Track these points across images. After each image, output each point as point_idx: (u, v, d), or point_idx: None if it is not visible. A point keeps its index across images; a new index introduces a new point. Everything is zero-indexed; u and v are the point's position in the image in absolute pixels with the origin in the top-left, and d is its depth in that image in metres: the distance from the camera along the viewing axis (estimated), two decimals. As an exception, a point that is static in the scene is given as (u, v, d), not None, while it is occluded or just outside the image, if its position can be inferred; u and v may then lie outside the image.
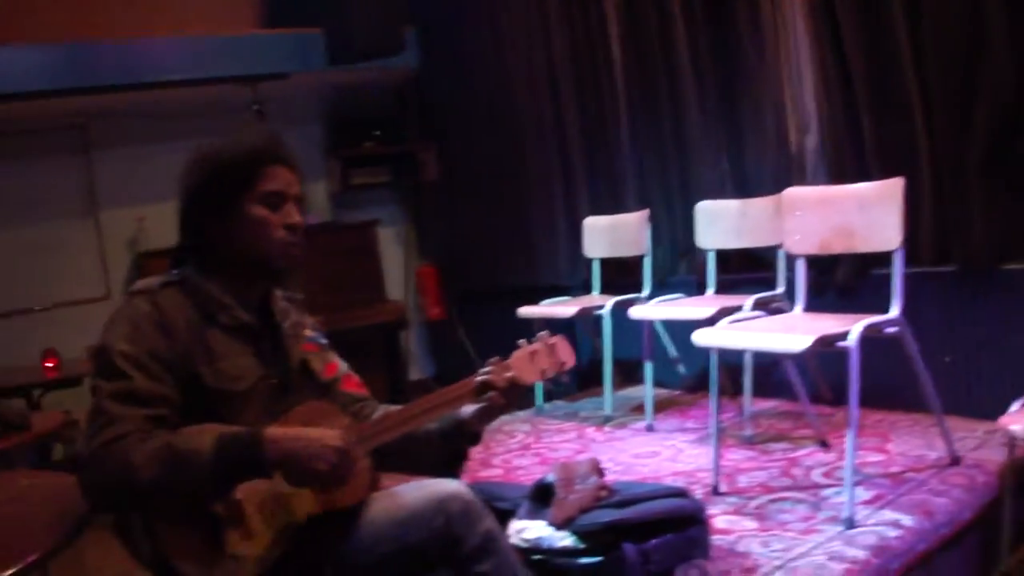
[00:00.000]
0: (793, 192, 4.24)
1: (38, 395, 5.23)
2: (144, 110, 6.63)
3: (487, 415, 2.25)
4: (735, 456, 4.30)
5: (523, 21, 6.59)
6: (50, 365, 5.36)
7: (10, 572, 1.70)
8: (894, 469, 3.85)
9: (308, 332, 2.37)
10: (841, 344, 3.35)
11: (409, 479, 2.27)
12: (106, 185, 6.72)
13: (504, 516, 2.94)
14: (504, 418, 5.64)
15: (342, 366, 2.43)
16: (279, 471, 1.97)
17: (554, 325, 2.02)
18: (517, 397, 2.21)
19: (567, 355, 2.26)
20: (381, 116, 7.66)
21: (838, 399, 4.75)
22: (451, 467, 2.33)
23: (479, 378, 2.18)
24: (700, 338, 3.80)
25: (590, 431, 5.22)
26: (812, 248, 4.11)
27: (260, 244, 2.16)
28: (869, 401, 3.99)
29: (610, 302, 5.33)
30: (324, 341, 2.42)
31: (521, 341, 2.25)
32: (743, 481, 3.96)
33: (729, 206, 5.04)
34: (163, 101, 6.58)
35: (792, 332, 3.55)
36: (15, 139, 6.47)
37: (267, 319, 2.27)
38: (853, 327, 3.37)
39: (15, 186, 6.43)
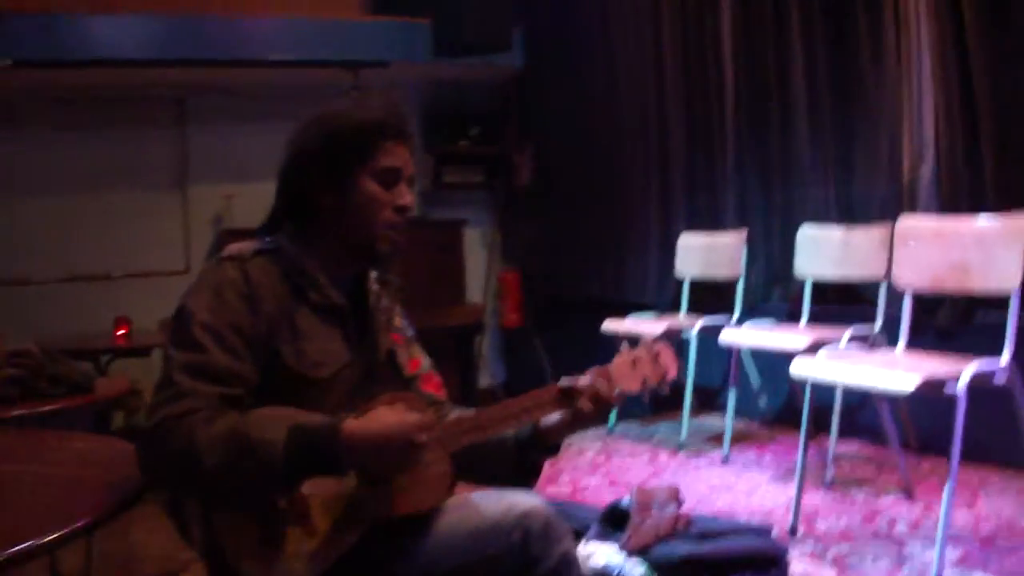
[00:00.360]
0: (908, 221, 4.01)
1: (106, 361, 5.21)
2: (242, 88, 6.61)
3: (574, 425, 2.01)
4: (814, 498, 4.09)
5: (634, 30, 6.44)
6: (121, 333, 5.33)
7: (55, 536, 1.58)
8: (985, 530, 3.61)
9: (397, 321, 2.19)
10: (948, 391, 3.12)
11: (475, 489, 2.07)
12: (198, 160, 6.71)
13: (571, 537, 2.75)
14: (575, 435, 5.47)
15: (425, 362, 2.24)
16: (354, 470, 1.83)
17: (634, 343, 1.87)
18: (612, 408, 2.00)
19: (671, 365, 2.05)
20: (479, 115, 7.55)
21: (925, 447, 4.54)
22: (524, 479, 2.10)
23: (573, 384, 1.97)
24: (798, 369, 3.59)
25: (663, 456, 5.03)
26: (923, 283, 3.88)
27: (366, 222, 2.00)
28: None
29: (698, 323, 5.15)
30: (411, 333, 2.24)
31: (623, 345, 2.05)
32: (822, 526, 3.75)
33: (832, 233, 4.82)
34: (262, 81, 6.55)
35: (895, 371, 3.32)
36: (114, 106, 6.52)
37: (359, 302, 2.10)
38: (963, 372, 3.13)
39: (109, 153, 6.47)
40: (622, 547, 2.78)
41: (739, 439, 5.19)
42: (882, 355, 3.89)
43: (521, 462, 2.07)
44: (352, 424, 1.78)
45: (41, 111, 6.33)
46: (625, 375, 1.99)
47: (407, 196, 2.03)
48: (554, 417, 2.01)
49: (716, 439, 5.21)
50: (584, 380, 1.96)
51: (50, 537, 1.57)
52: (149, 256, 6.49)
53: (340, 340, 2.00)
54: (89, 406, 3.49)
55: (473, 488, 2.07)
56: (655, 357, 2.03)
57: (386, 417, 1.80)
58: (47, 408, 3.19)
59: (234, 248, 1.97)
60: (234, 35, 6.15)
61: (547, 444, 2.06)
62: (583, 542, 2.86)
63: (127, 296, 6.16)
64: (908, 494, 4.04)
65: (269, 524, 1.80)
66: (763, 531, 2.95)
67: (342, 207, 2.00)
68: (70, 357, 3.53)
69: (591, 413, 1.96)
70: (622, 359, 2.01)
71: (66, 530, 1.61)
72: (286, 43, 6.29)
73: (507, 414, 1.95)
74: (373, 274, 2.16)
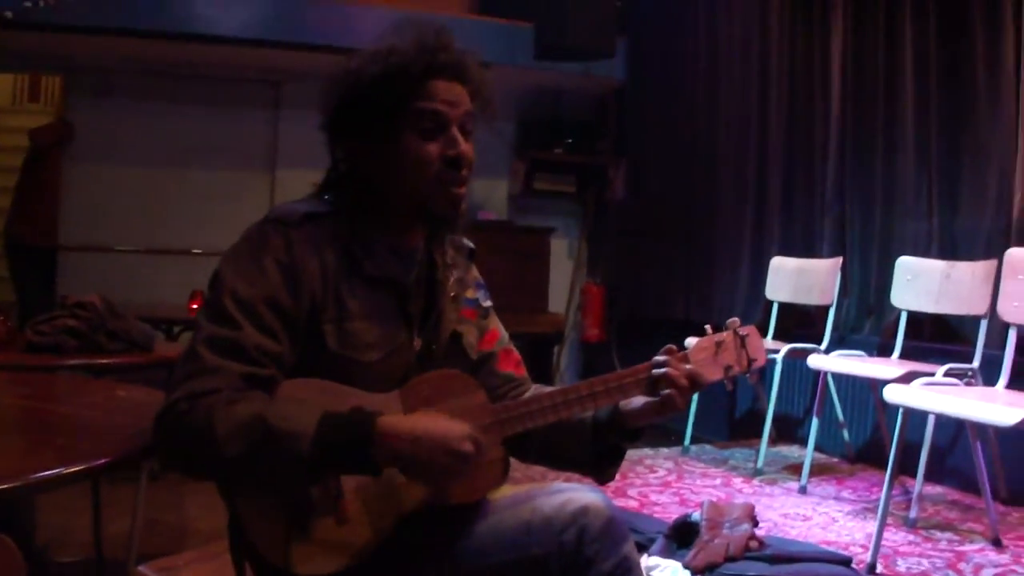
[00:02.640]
0: (1017, 253, 3.85)
1: (177, 331, 5.24)
2: (339, 77, 6.60)
3: (654, 412, 1.82)
4: (895, 537, 3.91)
5: (740, 48, 6.31)
6: (195, 306, 5.33)
7: (73, 469, 1.53)
8: (1076, 585, 3.41)
9: (470, 293, 1.98)
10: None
11: (547, 477, 1.92)
12: (288, 145, 6.72)
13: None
14: (647, 451, 5.37)
15: (503, 337, 2.03)
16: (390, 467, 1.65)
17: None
18: (693, 394, 1.83)
19: (758, 351, 1.89)
20: (575, 123, 7.48)
21: (1015, 498, 4.35)
22: (601, 468, 1.93)
23: (654, 369, 1.79)
24: (891, 395, 3.43)
25: (737, 481, 4.88)
26: (1030, 320, 3.70)
27: (411, 182, 1.76)
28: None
29: (784, 348, 4.98)
30: (487, 303, 2.02)
31: (707, 327, 1.90)
32: (902, 566, 3.58)
33: (933, 266, 4.65)
34: (359, 71, 6.53)
35: (996, 404, 3.15)
36: (212, 84, 6.60)
37: (427, 273, 1.89)
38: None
39: (201, 130, 6.56)
40: (687, 564, 2.63)
41: (818, 471, 5.01)
42: (981, 391, 3.71)
43: (597, 448, 1.89)
44: (390, 422, 1.61)
45: (135, 82, 6.43)
46: (706, 361, 1.84)
47: (458, 143, 1.76)
48: (637, 401, 1.83)
49: (794, 468, 5.04)
50: (664, 364, 1.79)
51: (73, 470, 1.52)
52: (232, 236, 6.42)
53: (397, 318, 1.81)
54: (147, 365, 3.43)
55: (549, 474, 1.93)
56: (741, 342, 1.88)
57: (431, 422, 1.65)
58: (102, 361, 3.19)
59: (282, 209, 1.78)
60: (337, 22, 6.13)
61: (626, 428, 1.87)
62: (646, 556, 2.72)
63: (206, 274, 6.11)
64: (995, 543, 3.85)
65: (297, 510, 1.65)
66: (845, 560, 2.78)
67: (384, 168, 1.78)
68: (142, 322, 3.52)
69: (675, 399, 1.79)
70: (705, 342, 1.86)
71: (85, 466, 1.56)
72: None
73: (586, 394, 1.78)
74: (449, 238, 1.95)
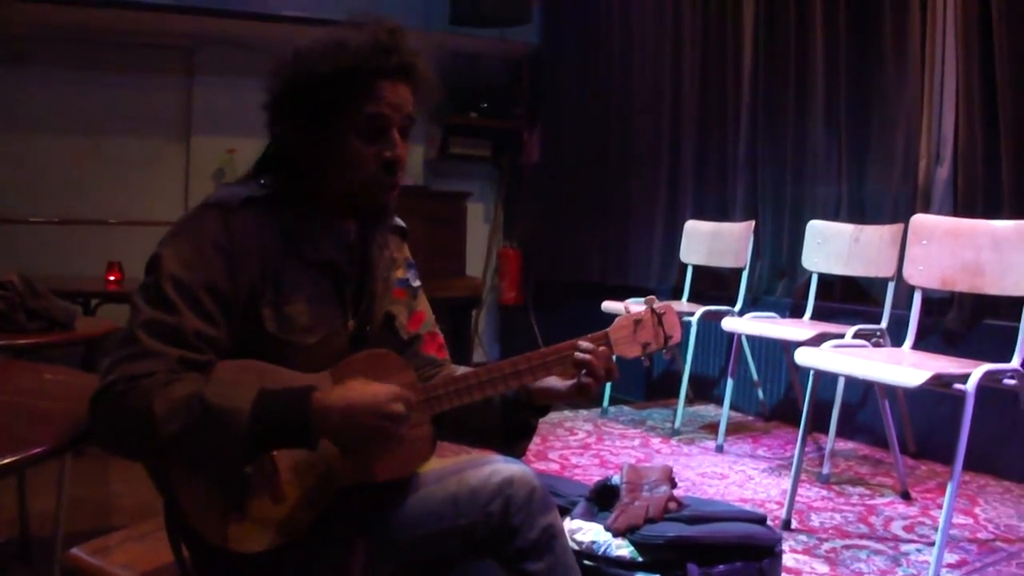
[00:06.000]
0: (922, 219, 3.96)
1: (95, 304, 5.13)
2: (253, 43, 6.49)
3: (569, 396, 1.89)
4: (809, 493, 4.04)
5: (654, 12, 6.35)
6: (112, 278, 5.27)
7: (9, 460, 1.52)
8: (982, 535, 3.56)
9: (400, 272, 2.01)
10: (958, 387, 3.05)
11: (465, 455, 1.95)
12: (202, 112, 6.64)
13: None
14: (567, 414, 5.44)
15: (429, 319, 2.06)
16: (326, 440, 1.68)
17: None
18: (612, 373, 1.88)
19: (674, 328, 1.94)
20: (491, 89, 7.46)
21: (922, 452, 4.50)
22: (513, 442, 1.97)
23: (577, 353, 1.84)
24: (802, 358, 3.52)
25: (655, 441, 4.96)
26: (933, 282, 3.83)
27: (346, 178, 1.78)
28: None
29: (699, 311, 5.06)
30: (416, 284, 2.04)
31: (628, 303, 1.94)
32: (816, 520, 3.69)
33: (843, 229, 4.77)
34: (273, 36, 6.42)
35: (904, 365, 3.25)
36: (123, 51, 6.44)
37: (360, 254, 1.90)
38: (974, 370, 3.07)
39: (114, 98, 6.40)
40: (608, 527, 2.69)
41: (734, 430, 5.12)
42: (888, 352, 3.83)
43: (507, 423, 1.95)
44: (323, 395, 1.64)
45: (48, 49, 6.24)
46: (625, 340, 1.89)
47: (396, 147, 1.78)
48: (549, 379, 1.89)
49: (710, 428, 5.16)
50: (585, 348, 1.85)
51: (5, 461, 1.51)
52: (147, 205, 6.40)
53: (334, 300, 1.83)
54: (69, 344, 3.42)
55: (463, 451, 1.98)
56: (658, 319, 1.92)
57: (361, 388, 1.67)
58: (22, 341, 3.13)
59: (222, 193, 1.77)
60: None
61: (535, 404, 1.94)
62: (568, 519, 2.77)
63: (122, 244, 6.03)
64: (905, 496, 3.98)
65: (233, 489, 1.67)
66: (760, 518, 2.85)
67: (320, 160, 1.79)
68: (58, 297, 3.46)
69: (593, 381, 1.85)
70: (624, 320, 1.91)
71: (22, 455, 1.54)
72: (302, 0, 6.20)
73: (508, 373, 1.82)
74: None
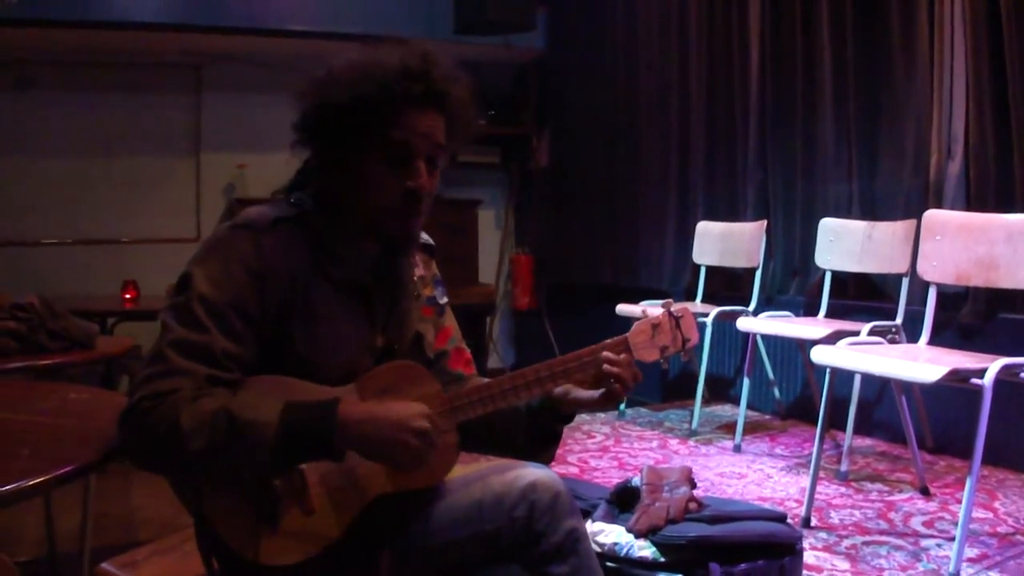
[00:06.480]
0: (934, 215, 3.97)
1: (112, 323, 5.18)
2: (260, 58, 6.56)
3: (597, 403, 1.88)
4: (828, 491, 4.04)
5: (659, 14, 6.36)
6: (128, 296, 5.34)
7: (39, 480, 1.53)
8: (1002, 529, 3.56)
9: (428, 291, 2.00)
10: (975, 381, 3.05)
11: (489, 461, 1.96)
12: (212, 128, 6.69)
13: (579, 515, 2.66)
14: (584, 417, 5.44)
15: (455, 334, 2.06)
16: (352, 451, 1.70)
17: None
18: (638, 379, 1.86)
19: (691, 331, 1.94)
20: (498, 95, 7.47)
21: (940, 447, 4.49)
22: (540, 450, 1.98)
23: (605, 366, 1.83)
24: (819, 356, 3.53)
25: (673, 443, 4.97)
26: (947, 278, 3.84)
27: (369, 205, 1.77)
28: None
29: (714, 311, 5.07)
30: (443, 300, 2.04)
31: (644, 307, 1.94)
32: (835, 518, 3.70)
33: (855, 226, 4.77)
34: (280, 51, 6.48)
35: (920, 361, 3.26)
36: (132, 71, 6.49)
37: (389, 273, 1.90)
38: (990, 365, 3.07)
39: (123, 117, 6.46)
40: (630, 528, 2.70)
41: (751, 429, 5.13)
42: (904, 348, 3.83)
43: (534, 431, 1.95)
44: (351, 407, 1.67)
45: (56, 72, 6.30)
46: (644, 344, 1.89)
47: (419, 176, 1.76)
48: (575, 388, 1.89)
49: (727, 428, 5.17)
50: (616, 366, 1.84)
51: (35, 481, 1.52)
52: (160, 223, 6.46)
53: (363, 320, 1.84)
54: (89, 363, 3.44)
55: (484, 457, 1.99)
56: (676, 323, 1.93)
57: (389, 403, 1.70)
58: (45, 362, 3.15)
59: (252, 213, 1.77)
60: (254, 4, 6.11)
61: (561, 412, 1.94)
62: (590, 521, 2.78)
63: (136, 262, 6.11)
64: (924, 491, 3.98)
65: (263, 501, 1.68)
66: (781, 516, 2.86)
67: (345, 183, 1.79)
68: (76, 316, 3.48)
69: (619, 388, 1.84)
70: (643, 325, 1.90)
71: (51, 475, 1.56)
72: (306, 14, 6.23)
73: (528, 381, 1.82)
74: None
